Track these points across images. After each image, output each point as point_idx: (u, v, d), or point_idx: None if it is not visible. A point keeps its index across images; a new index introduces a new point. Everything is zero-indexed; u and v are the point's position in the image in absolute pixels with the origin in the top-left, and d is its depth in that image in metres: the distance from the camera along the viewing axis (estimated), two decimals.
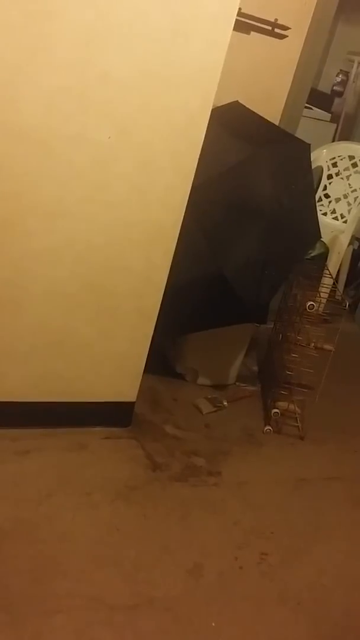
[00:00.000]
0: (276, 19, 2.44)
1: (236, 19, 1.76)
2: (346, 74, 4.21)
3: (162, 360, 2.61)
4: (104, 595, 1.65)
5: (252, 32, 2.43)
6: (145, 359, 2.18)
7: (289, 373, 2.53)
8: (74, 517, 1.87)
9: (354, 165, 3.46)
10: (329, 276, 2.90)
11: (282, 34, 2.46)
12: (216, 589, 1.77)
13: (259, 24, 2.40)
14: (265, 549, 1.94)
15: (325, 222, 3.46)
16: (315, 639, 1.71)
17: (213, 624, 1.66)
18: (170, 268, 2.05)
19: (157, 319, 2.13)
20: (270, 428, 2.51)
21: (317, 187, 3.52)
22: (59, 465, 2.04)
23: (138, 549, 1.83)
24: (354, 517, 2.19)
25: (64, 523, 1.84)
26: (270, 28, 2.44)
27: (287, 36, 2.47)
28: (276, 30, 2.45)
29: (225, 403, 2.60)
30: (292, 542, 2.01)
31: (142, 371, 2.20)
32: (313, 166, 3.15)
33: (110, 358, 2.13)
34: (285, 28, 2.46)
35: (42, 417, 2.12)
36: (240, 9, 2.16)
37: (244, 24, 2.39)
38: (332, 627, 1.76)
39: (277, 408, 2.53)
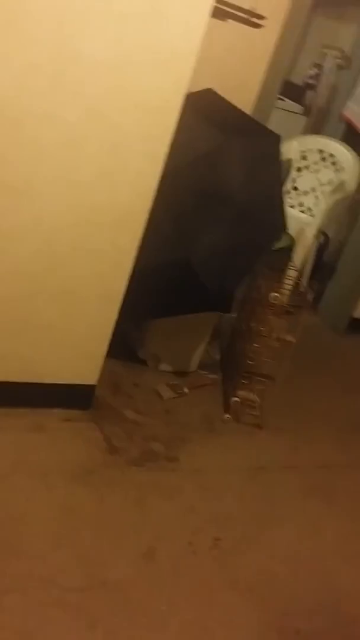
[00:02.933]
0: (253, 7, 2.44)
1: (213, 5, 1.75)
2: (320, 67, 4.23)
3: (124, 344, 2.61)
4: (57, 577, 1.66)
5: (228, 20, 2.42)
6: (107, 343, 2.18)
7: (250, 362, 2.56)
8: (30, 499, 1.86)
9: (323, 159, 3.49)
10: (294, 269, 2.93)
11: (257, 23, 2.45)
12: (169, 573, 1.79)
13: (235, 12, 2.39)
14: (218, 535, 1.96)
15: (293, 214, 3.48)
16: (264, 624, 1.74)
17: (164, 608, 1.68)
18: (138, 253, 2.05)
19: (122, 303, 2.12)
20: (229, 416, 2.53)
21: (286, 180, 3.54)
22: (16, 445, 2.03)
23: (93, 531, 1.83)
24: (306, 506, 2.23)
25: (19, 504, 1.83)
26: (246, 16, 2.43)
27: (263, 26, 2.47)
28: (252, 19, 2.44)
29: (186, 390, 2.61)
30: (246, 529, 2.04)
31: (104, 355, 2.19)
32: (283, 158, 3.17)
33: (73, 340, 2.12)
34: (261, 17, 2.46)
35: (1, 397, 2.10)
36: None
37: (221, 11, 2.38)
38: (281, 612, 1.79)
39: (237, 397, 2.55)
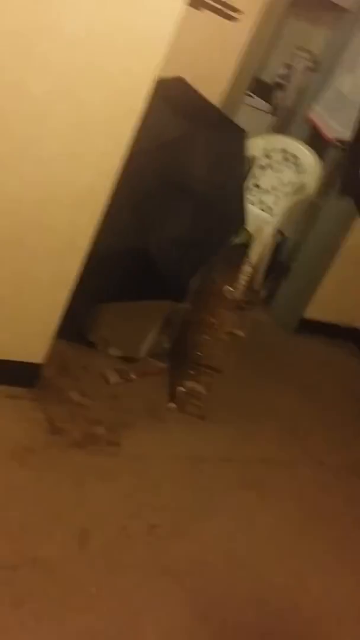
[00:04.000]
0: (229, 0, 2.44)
1: None
2: (291, 68, 4.26)
3: (75, 326, 2.58)
4: None
5: (204, 9, 2.42)
6: (57, 323, 2.15)
7: (199, 354, 2.57)
8: None
9: (287, 159, 3.53)
10: (250, 265, 2.95)
11: (232, 16, 2.46)
12: (101, 556, 1.79)
13: (211, 2, 2.39)
14: (154, 522, 1.97)
15: (253, 211, 3.51)
16: (192, 612, 1.76)
17: (93, 590, 1.68)
18: (95, 234, 2.03)
19: (76, 284, 2.10)
20: (174, 405, 2.54)
21: (249, 176, 3.57)
22: None
23: (27, 510, 1.82)
24: (241, 498, 2.26)
25: None
26: (222, 8, 2.43)
27: (238, 19, 2.47)
28: (228, 11, 2.44)
29: (133, 376, 2.61)
30: (181, 518, 2.05)
31: (53, 334, 2.17)
32: (247, 154, 3.19)
33: (22, 317, 2.09)
34: (237, 10, 2.46)
35: None
36: None
37: (197, 0, 2.37)
38: (209, 601, 1.82)
39: (184, 386, 2.56)
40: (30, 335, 2.15)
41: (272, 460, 2.53)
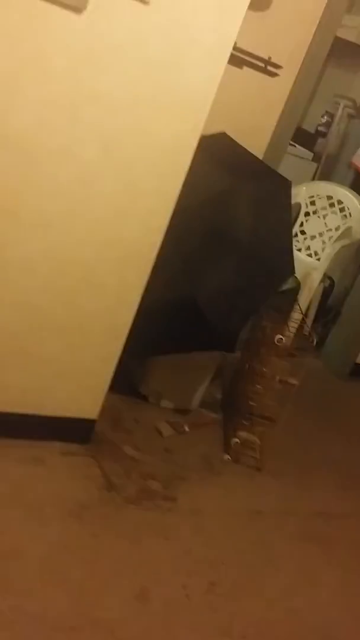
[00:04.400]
0: (270, 57, 2.50)
1: (231, 53, 1.79)
2: (331, 115, 4.30)
3: (127, 379, 2.60)
4: (47, 614, 1.62)
5: (244, 67, 2.48)
6: (110, 378, 2.18)
7: (252, 404, 2.55)
8: (23, 533, 1.84)
9: (332, 205, 3.53)
10: (299, 311, 2.94)
11: (273, 72, 2.51)
12: (161, 615, 1.75)
13: (252, 60, 2.45)
14: (214, 579, 1.93)
15: (300, 258, 3.51)
16: None
17: None
18: (145, 289, 2.06)
19: (127, 338, 2.13)
20: (229, 457, 2.51)
21: (294, 223, 3.58)
22: (13, 478, 2.01)
23: (86, 569, 1.80)
24: (303, 552, 2.19)
25: (13, 538, 1.81)
26: (263, 65, 2.49)
27: (278, 74, 2.53)
28: (268, 67, 2.50)
29: (186, 428, 2.59)
30: (242, 574, 2.00)
31: (106, 389, 2.19)
32: (292, 202, 3.21)
33: (75, 373, 2.12)
34: (278, 67, 2.52)
35: (0, 427, 2.09)
36: (235, 43, 2.21)
37: (238, 59, 2.44)
38: None
39: (238, 437, 2.53)
40: (83, 391, 2.17)
41: (332, 512, 2.45)
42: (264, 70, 2.50)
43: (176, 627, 1.74)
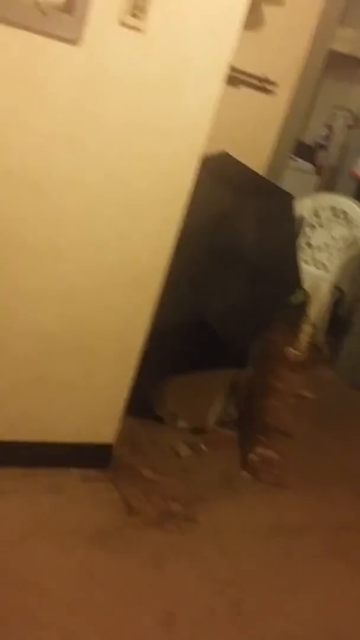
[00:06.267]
0: (265, 75, 2.52)
1: (227, 74, 1.82)
2: (330, 127, 4.33)
3: (141, 402, 2.60)
4: None
5: (241, 86, 2.51)
6: (125, 401, 2.18)
7: (268, 419, 2.54)
8: (46, 563, 1.83)
9: (336, 216, 3.55)
10: (310, 324, 2.94)
11: (269, 89, 2.54)
12: (188, 639, 1.74)
13: (248, 79, 2.48)
14: (239, 599, 1.92)
15: (307, 270, 3.51)
16: None
17: None
18: (155, 311, 2.07)
19: (139, 361, 2.13)
20: (247, 473, 2.50)
21: (300, 237, 3.59)
22: (34, 507, 2.01)
23: (110, 595, 1.80)
24: (328, 568, 2.17)
25: (36, 568, 1.80)
26: (258, 83, 2.52)
27: (274, 92, 2.56)
28: (264, 85, 2.53)
29: (203, 447, 2.59)
30: (267, 592, 1.99)
31: (122, 413, 2.19)
32: (296, 216, 3.22)
33: (91, 399, 2.13)
34: (273, 83, 2.54)
35: (19, 457, 2.10)
36: (231, 64, 2.24)
37: (234, 78, 2.46)
38: None
39: (255, 453, 2.53)
40: (99, 416, 2.18)
41: (356, 526, 2.43)
42: (260, 88, 2.53)
43: None
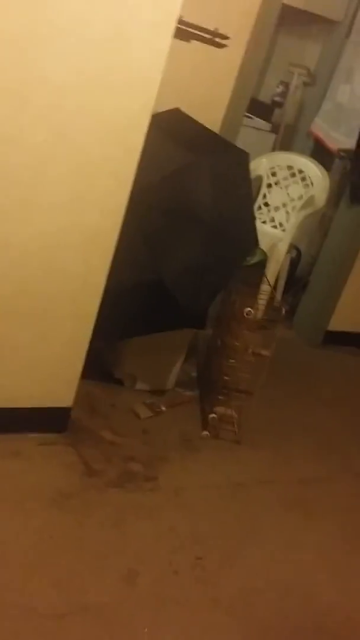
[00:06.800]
0: (216, 28, 2.47)
1: (177, 27, 1.77)
2: (287, 85, 4.28)
3: (100, 365, 2.59)
4: (35, 604, 1.63)
5: (192, 40, 2.46)
6: (82, 364, 2.16)
7: (227, 378, 2.56)
8: (6, 526, 1.83)
9: (293, 175, 3.53)
10: (267, 283, 2.95)
11: (221, 43, 2.49)
12: (150, 594, 1.77)
13: (199, 33, 2.43)
14: (200, 554, 1.95)
15: (264, 230, 3.51)
16: None
17: (145, 630, 1.66)
18: (109, 272, 2.05)
19: (95, 323, 2.11)
20: (207, 433, 2.52)
21: (257, 196, 3.57)
22: None
23: (72, 556, 1.81)
24: (286, 520, 2.22)
25: None
26: (210, 37, 2.47)
27: (227, 46, 2.51)
28: (216, 39, 2.48)
29: (163, 408, 2.60)
30: (227, 546, 2.02)
31: (78, 376, 2.18)
32: (253, 175, 3.19)
33: (46, 363, 2.11)
34: (225, 37, 2.49)
35: None
36: (181, 17, 2.18)
37: (185, 32, 2.41)
38: (263, 630, 1.78)
39: (215, 413, 2.55)
40: (56, 380, 2.16)
41: (312, 479, 2.49)
42: (212, 43, 2.47)
43: (166, 604, 1.75)
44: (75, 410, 2.26)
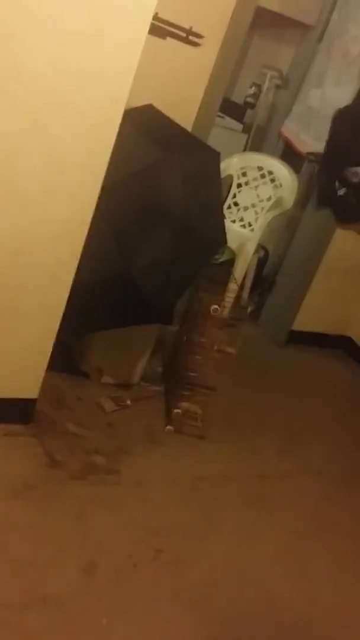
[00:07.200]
0: (191, 27, 2.49)
1: (152, 23, 1.78)
2: (259, 86, 4.32)
3: (66, 358, 2.59)
4: None
5: (168, 38, 2.47)
6: (48, 356, 2.16)
7: (192, 374, 2.58)
8: None
9: (262, 175, 3.57)
10: (235, 282, 2.98)
11: (195, 42, 2.51)
12: (109, 586, 1.78)
13: (174, 30, 2.44)
14: (160, 546, 1.97)
15: (233, 229, 3.54)
16: (205, 634, 1.75)
17: (104, 621, 1.67)
18: (78, 266, 2.05)
19: (63, 316, 2.12)
20: (171, 428, 2.55)
21: (227, 195, 3.60)
22: None
23: (33, 547, 1.81)
24: (246, 515, 2.26)
25: None
26: (185, 35, 2.48)
27: (201, 44, 2.53)
28: (190, 37, 2.50)
29: (128, 402, 2.61)
30: (187, 540, 2.05)
31: (45, 368, 2.18)
32: (224, 174, 3.22)
33: (12, 354, 2.10)
34: (199, 36, 2.51)
35: None
36: (157, 13, 2.19)
37: (160, 29, 2.42)
38: (221, 623, 1.81)
39: (179, 408, 2.57)
40: (22, 371, 2.16)
41: (273, 475, 2.53)
42: (186, 41, 2.49)
43: (125, 596, 1.77)
44: (40, 402, 2.26)
